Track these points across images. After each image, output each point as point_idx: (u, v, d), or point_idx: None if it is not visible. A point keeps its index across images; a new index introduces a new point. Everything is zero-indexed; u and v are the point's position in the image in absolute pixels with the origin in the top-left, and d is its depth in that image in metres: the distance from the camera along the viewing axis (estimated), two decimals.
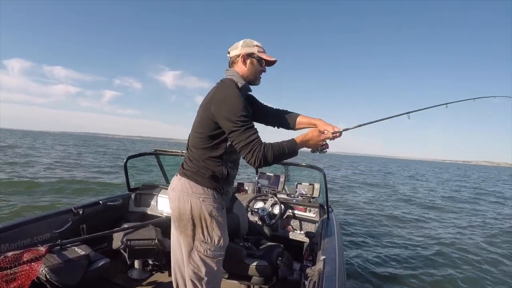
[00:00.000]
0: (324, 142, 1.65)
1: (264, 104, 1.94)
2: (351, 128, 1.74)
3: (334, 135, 1.67)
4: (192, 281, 1.68)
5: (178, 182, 1.70)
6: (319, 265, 1.82)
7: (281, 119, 1.90)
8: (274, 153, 1.48)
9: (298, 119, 1.86)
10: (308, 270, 1.88)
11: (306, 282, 1.86)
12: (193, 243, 1.66)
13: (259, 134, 1.53)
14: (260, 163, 1.49)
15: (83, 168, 15.07)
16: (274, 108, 1.95)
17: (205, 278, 1.67)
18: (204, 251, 1.65)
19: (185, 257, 1.69)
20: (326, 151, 1.68)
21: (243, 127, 1.49)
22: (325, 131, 1.65)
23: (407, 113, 1.94)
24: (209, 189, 1.65)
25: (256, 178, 3.77)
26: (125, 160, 3.53)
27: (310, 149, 1.66)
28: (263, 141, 1.51)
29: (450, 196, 14.77)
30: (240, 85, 1.65)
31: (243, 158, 1.54)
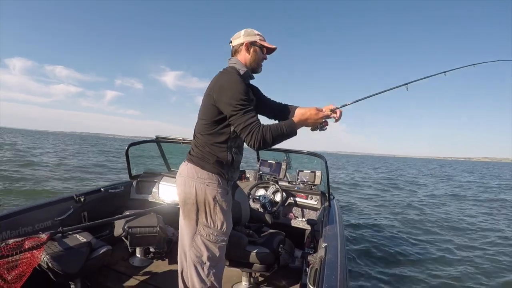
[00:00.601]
0: (324, 120, 1.66)
1: (268, 97, 1.96)
2: (349, 104, 1.72)
3: (332, 112, 1.67)
4: (194, 265, 1.69)
5: (185, 167, 1.75)
6: (321, 253, 1.82)
7: (282, 111, 1.90)
8: (272, 134, 1.51)
9: (296, 111, 1.85)
10: (309, 258, 1.87)
11: (307, 269, 1.85)
12: (196, 227, 1.69)
13: (258, 117, 1.56)
14: (260, 145, 1.51)
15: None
16: (277, 101, 1.96)
17: (207, 263, 1.69)
18: (206, 235, 1.68)
19: (188, 241, 1.72)
20: (326, 129, 1.69)
21: (242, 110, 1.53)
22: (324, 109, 1.66)
23: (405, 84, 1.91)
24: (213, 174, 1.68)
25: (258, 165, 3.75)
26: (126, 147, 3.52)
27: (310, 128, 1.68)
28: (262, 123, 1.54)
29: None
30: (242, 72, 1.69)
31: (244, 141, 1.59)
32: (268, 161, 3.70)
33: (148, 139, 3.88)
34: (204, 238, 1.68)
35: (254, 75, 1.83)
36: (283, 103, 1.95)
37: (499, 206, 10.68)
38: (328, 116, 1.66)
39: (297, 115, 1.63)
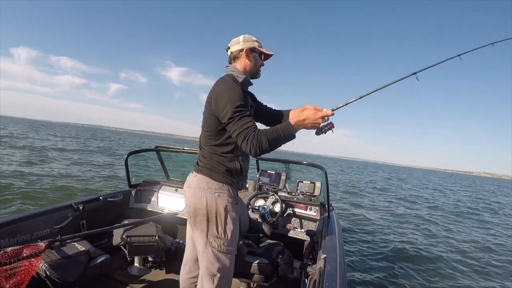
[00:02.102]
0: (328, 121, 1.52)
1: (264, 104, 1.95)
2: (351, 102, 1.62)
3: (333, 111, 1.53)
4: (205, 277, 1.68)
5: (194, 178, 1.73)
6: (320, 264, 1.81)
7: (278, 117, 1.89)
8: (268, 138, 1.44)
9: (291, 112, 1.79)
10: (308, 269, 1.87)
11: (306, 280, 1.85)
12: (207, 238, 1.67)
13: (254, 122, 1.52)
14: (256, 150, 1.45)
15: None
16: (273, 108, 1.95)
17: (218, 274, 1.67)
18: (218, 246, 1.66)
19: (199, 253, 1.70)
20: (332, 130, 1.53)
21: (237, 116, 1.50)
22: (323, 109, 1.52)
23: (414, 73, 1.78)
24: (224, 184, 1.67)
25: (257, 175, 3.76)
26: (126, 156, 3.53)
27: (315, 132, 1.55)
28: (258, 128, 1.50)
29: None
30: (240, 79, 1.68)
31: (241, 147, 1.52)
32: (268, 171, 3.71)
33: (148, 148, 3.89)
34: (215, 249, 1.66)
35: (253, 81, 1.81)
36: (279, 109, 1.93)
37: None
38: (328, 116, 1.51)
39: (293, 116, 1.52)
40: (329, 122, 1.52)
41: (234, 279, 2.42)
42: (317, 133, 1.55)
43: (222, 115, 1.55)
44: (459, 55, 2.04)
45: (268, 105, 1.95)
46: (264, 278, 2.34)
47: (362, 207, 10.78)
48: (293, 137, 1.51)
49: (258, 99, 1.93)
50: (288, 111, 1.86)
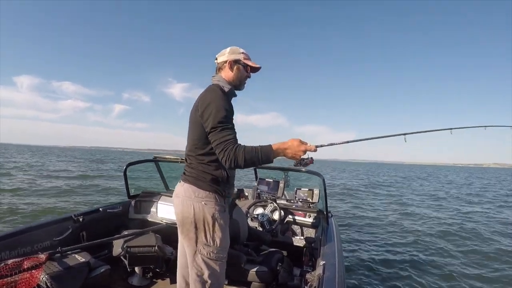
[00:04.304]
0: (309, 157, 1.59)
1: None
2: (336, 144, 1.71)
3: (317, 148, 1.59)
4: (195, 284, 1.69)
5: (181, 188, 1.74)
6: (319, 270, 1.83)
7: None
8: (245, 155, 1.47)
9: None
10: (308, 276, 1.89)
11: (306, 287, 1.86)
12: (196, 246, 1.69)
13: (235, 136, 1.56)
14: (231, 164, 1.48)
15: None
16: None
17: (209, 281, 1.69)
18: (207, 253, 1.68)
19: (189, 260, 1.72)
20: (308, 166, 1.62)
21: (220, 126, 1.53)
22: (308, 144, 1.56)
23: (404, 134, 1.92)
24: (211, 193, 1.68)
25: (256, 184, 3.78)
26: (124, 167, 3.55)
27: (294, 162, 1.60)
28: (238, 143, 1.53)
29: None
30: (226, 89, 1.70)
31: (218, 157, 1.55)
32: (266, 179, 3.73)
33: (146, 159, 3.91)
34: (205, 257, 1.67)
35: (237, 92, 1.84)
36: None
37: None
38: (311, 151, 1.56)
39: (278, 143, 1.54)
40: (310, 157, 1.59)
41: None
42: (295, 165, 1.61)
43: (206, 124, 1.58)
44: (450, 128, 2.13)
45: None
46: (264, 286, 2.34)
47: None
48: (270, 161, 1.53)
49: None
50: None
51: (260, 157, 1.50)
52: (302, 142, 1.53)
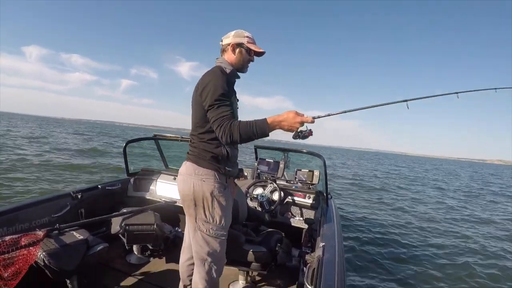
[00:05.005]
0: (308, 129, 1.55)
1: None
2: (334, 114, 1.68)
3: (314, 119, 1.55)
4: (196, 261, 1.76)
5: (184, 166, 1.79)
6: (318, 252, 1.82)
7: None
8: (240, 130, 1.50)
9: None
10: (307, 257, 1.88)
11: (305, 268, 1.86)
12: (196, 223, 1.73)
13: (232, 113, 1.58)
14: (227, 139, 1.52)
15: None
16: None
17: (209, 259, 1.73)
18: (206, 230, 1.71)
19: (191, 237, 1.77)
20: (309, 138, 1.56)
21: (217, 104, 1.57)
22: (305, 115, 1.53)
23: (405, 100, 1.87)
24: (210, 170, 1.71)
25: (256, 164, 3.75)
26: (124, 144, 3.51)
27: (292, 135, 1.56)
28: (233, 119, 1.55)
29: None
30: (228, 70, 1.74)
31: (216, 133, 1.58)
32: (266, 159, 3.71)
33: (146, 137, 3.87)
34: (204, 233, 1.71)
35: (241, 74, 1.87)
36: None
37: None
38: (308, 122, 1.53)
39: (273, 116, 1.54)
40: (309, 129, 1.55)
41: (232, 267, 2.45)
42: (294, 137, 1.56)
43: (204, 103, 1.62)
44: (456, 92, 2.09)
45: None
46: (263, 266, 2.35)
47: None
48: (266, 135, 1.53)
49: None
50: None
51: (256, 131, 1.51)
52: (298, 114, 1.51)
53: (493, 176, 36.52)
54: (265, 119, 1.53)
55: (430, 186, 16.18)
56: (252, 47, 1.80)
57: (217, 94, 1.57)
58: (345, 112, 1.72)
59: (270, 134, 1.54)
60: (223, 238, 1.77)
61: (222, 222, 1.74)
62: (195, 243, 1.74)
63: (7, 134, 21.35)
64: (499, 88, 2.26)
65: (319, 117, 1.59)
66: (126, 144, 3.52)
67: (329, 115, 1.65)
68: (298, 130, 1.54)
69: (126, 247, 2.80)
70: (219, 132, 1.53)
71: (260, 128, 1.51)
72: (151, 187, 3.52)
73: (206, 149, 1.72)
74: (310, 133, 1.56)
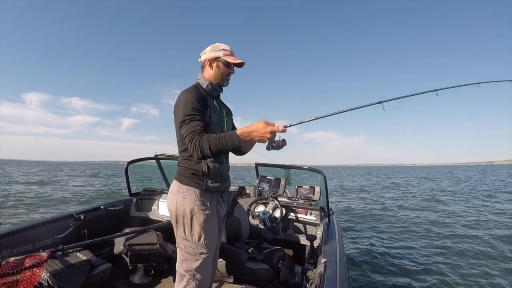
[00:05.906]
0: (281, 139, 1.50)
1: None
2: (305, 121, 1.61)
3: (285, 128, 1.49)
4: (177, 275, 1.74)
5: (171, 185, 1.81)
6: (320, 268, 1.82)
7: None
8: (210, 144, 1.46)
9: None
10: (309, 273, 1.88)
11: (307, 285, 1.86)
12: (177, 239, 1.73)
13: (203, 127, 1.56)
14: (198, 154, 1.49)
15: None
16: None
17: (186, 275, 1.69)
18: (184, 247, 1.69)
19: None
20: (281, 148, 1.51)
21: (188, 119, 1.56)
22: (276, 124, 1.47)
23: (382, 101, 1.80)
24: (190, 187, 1.70)
25: (257, 181, 3.77)
26: (125, 165, 3.55)
27: (266, 147, 1.51)
28: (203, 133, 1.52)
29: None
30: (204, 86, 1.75)
31: (188, 149, 1.56)
32: (267, 177, 3.73)
33: (147, 157, 3.90)
34: (183, 251, 1.70)
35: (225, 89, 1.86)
36: None
37: None
38: (279, 131, 1.47)
39: (242, 127, 1.49)
40: (282, 139, 1.50)
41: (236, 285, 2.44)
42: (268, 148, 1.52)
43: (178, 121, 1.63)
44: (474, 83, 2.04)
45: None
46: (266, 284, 2.34)
47: None
48: (237, 148, 1.49)
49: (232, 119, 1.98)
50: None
51: (225, 143, 1.46)
52: (268, 123, 1.45)
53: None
54: (235, 131, 1.49)
55: (481, 200, 14.91)
56: (229, 59, 1.76)
57: (187, 109, 1.57)
58: (317, 118, 1.65)
59: (243, 148, 1.54)
60: (203, 256, 1.69)
61: (202, 240, 1.68)
62: (177, 258, 1.74)
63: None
64: (481, 83, 2.16)
65: (290, 125, 1.55)
66: (128, 164, 3.56)
67: (300, 122, 1.60)
68: (270, 140, 1.48)
69: (130, 267, 2.79)
70: (190, 147, 1.51)
71: (230, 140, 1.46)
72: (153, 207, 3.53)
73: (186, 166, 1.72)
74: (283, 142, 1.51)
